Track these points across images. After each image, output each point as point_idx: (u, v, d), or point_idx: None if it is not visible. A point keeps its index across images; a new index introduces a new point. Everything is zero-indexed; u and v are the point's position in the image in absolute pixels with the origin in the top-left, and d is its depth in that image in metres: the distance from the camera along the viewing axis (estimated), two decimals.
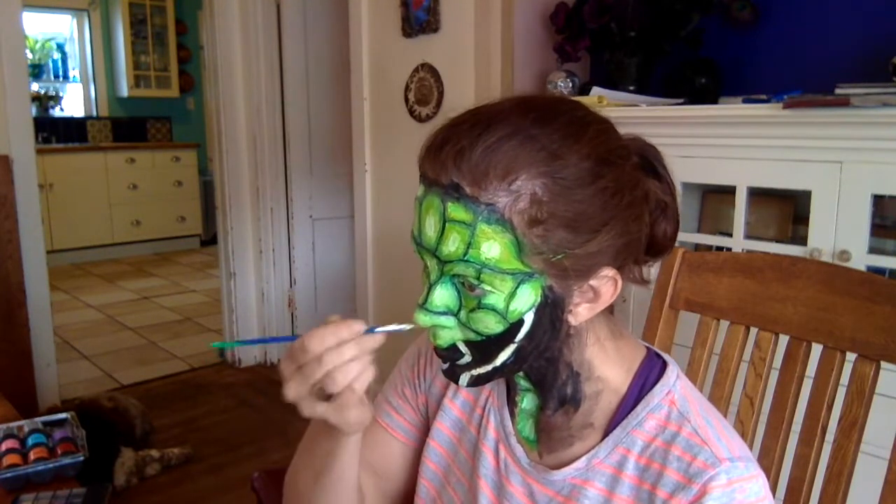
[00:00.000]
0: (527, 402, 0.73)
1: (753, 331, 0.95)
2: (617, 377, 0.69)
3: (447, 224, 0.60)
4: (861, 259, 1.36)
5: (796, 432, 0.89)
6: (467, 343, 0.65)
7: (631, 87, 1.99)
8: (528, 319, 0.62)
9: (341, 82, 3.09)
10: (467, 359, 0.66)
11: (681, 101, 1.86)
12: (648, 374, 0.69)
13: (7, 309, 2.72)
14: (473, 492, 0.76)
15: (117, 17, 6.47)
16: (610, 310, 0.69)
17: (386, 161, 2.67)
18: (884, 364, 0.83)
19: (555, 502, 0.70)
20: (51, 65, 6.62)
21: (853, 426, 0.83)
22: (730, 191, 1.59)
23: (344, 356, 0.62)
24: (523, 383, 0.72)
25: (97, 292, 5.08)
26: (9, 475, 1.24)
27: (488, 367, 0.65)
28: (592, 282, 0.63)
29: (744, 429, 0.94)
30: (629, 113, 1.71)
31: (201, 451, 2.60)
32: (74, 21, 6.55)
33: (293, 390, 0.63)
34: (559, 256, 0.60)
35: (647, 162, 0.68)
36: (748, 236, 1.59)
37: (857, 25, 1.76)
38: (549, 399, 0.69)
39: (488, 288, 0.60)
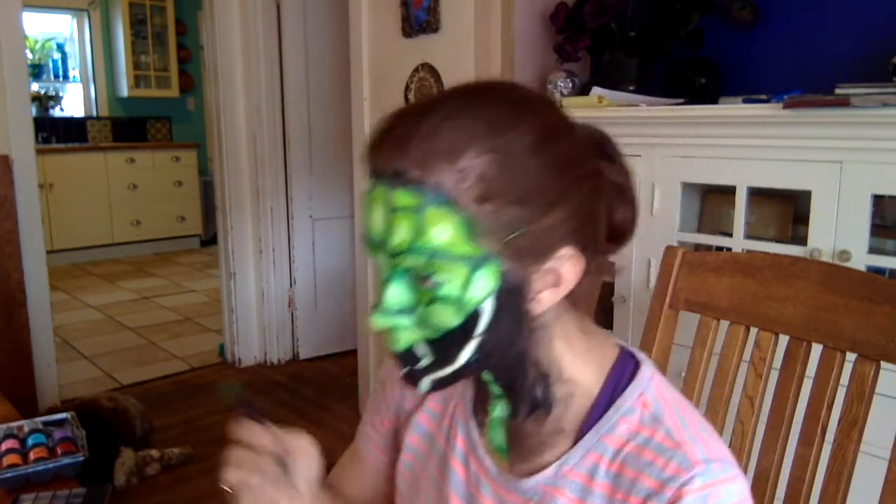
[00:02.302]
0: (498, 410, 0.70)
1: (753, 331, 0.95)
2: (588, 378, 0.66)
3: (394, 213, 0.57)
4: (861, 259, 1.36)
5: (796, 432, 0.89)
6: (426, 343, 0.62)
7: (631, 87, 1.99)
8: (487, 308, 0.59)
9: (341, 82, 3.09)
10: (427, 360, 0.62)
11: (681, 101, 1.86)
12: (621, 375, 0.66)
13: (7, 309, 2.72)
14: None
15: (117, 17, 6.47)
16: (586, 307, 0.67)
17: None
18: (884, 364, 0.83)
19: None
20: (51, 65, 6.62)
21: (853, 426, 0.83)
22: (730, 191, 1.59)
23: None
24: (495, 390, 0.68)
25: (97, 292, 5.08)
26: (9, 475, 1.24)
27: (450, 369, 0.62)
28: (551, 263, 0.59)
29: (744, 429, 0.94)
30: (629, 113, 1.71)
31: (201, 451, 2.60)
32: (74, 21, 6.55)
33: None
34: (513, 235, 0.57)
35: (597, 144, 0.66)
36: (748, 236, 1.59)
37: (857, 25, 1.76)
38: (520, 404, 0.66)
39: (442, 277, 0.58)
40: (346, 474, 0.88)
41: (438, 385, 0.64)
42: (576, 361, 0.66)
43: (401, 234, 0.57)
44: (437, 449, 0.76)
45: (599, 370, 0.67)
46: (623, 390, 0.65)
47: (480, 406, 0.73)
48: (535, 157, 0.57)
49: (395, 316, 0.61)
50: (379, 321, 0.61)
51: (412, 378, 0.64)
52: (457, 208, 0.56)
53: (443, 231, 0.56)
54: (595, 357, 0.67)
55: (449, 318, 0.59)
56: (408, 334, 0.62)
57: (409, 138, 0.57)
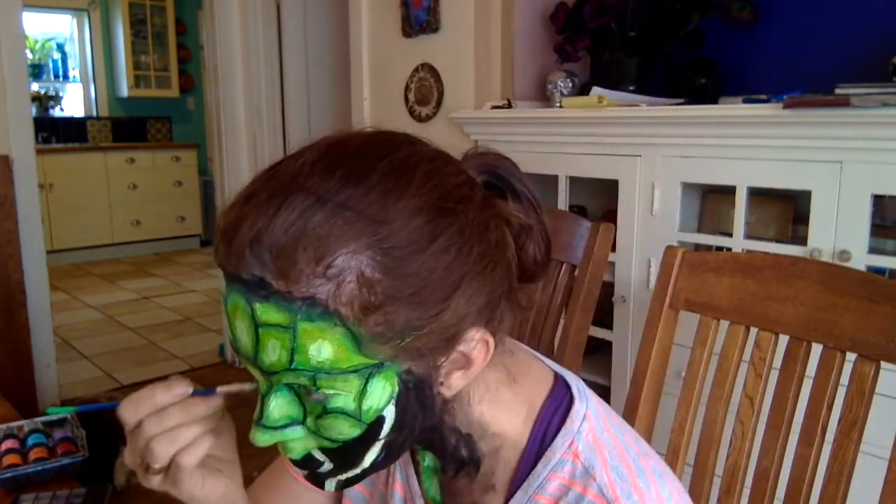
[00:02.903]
0: (428, 459, 0.65)
1: (753, 331, 0.95)
2: (514, 429, 0.59)
3: (260, 329, 0.48)
4: (861, 259, 1.36)
5: (796, 432, 0.89)
6: (323, 451, 0.54)
7: (631, 87, 1.99)
8: (390, 414, 0.52)
9: (341, 82, 3.09)
10: (328, 466, 0.55)
11: (681, 101, 1.86)
12: (551, 419, 0.60)
13: (7, 309, 2.72)
14: None
15: (117, 17, 6.47)
16: (515, 334, 0.61)
17: None
18: (884, 364, 0.83)
19: None
20: (51, 65, 6.62)
21: (853, 426, 0.83)
22: (730, 191, 1.59)
23: (165, 424, 0.54)
24: (417, 445, 0.62)
25: (97, 292, 5.08)
26: (9, 475, 1.24)
27: (356, 471, 0.56)
28: (460, 348, 0.53)
29: (744, 429, 0.94)
30: (629, 113, 1.71)
31: None
32: (74, 21, 6.55)
33: (128, 458, 0.57)
34: (408, 339, 0.49)
35: (499, 183, 0.57)
36: (748, 236, 1.59)
37: (857, 25, 1.76)
38: (447, 462, 0.61)
39: (330, 392, 0.50)
40: (276, 491, 0.79)
41: (347, 484, 0.58)
42: (500, 415, 0.59)
43: (273, 352, 0.49)
44: (377, 491, 0.72)
45: (527, 418, 0.60)
46: (553, 436, 0.59)
47: (412, 455, 0.67)
48: (426, 248, 0.48)
49: (283, 431, 0.54)
50: (263, 439, 0.53)
51: (316, 480, 0.57)
52: (337, 321, 0.47)
53: (324, 349, 0.48)
54: (522, 402, 0.60)
55: (347, 431, 0.52)
56: (302, 444, 0.55)
57: (264, 236, 0.47)
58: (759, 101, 1.55)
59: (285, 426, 0.53)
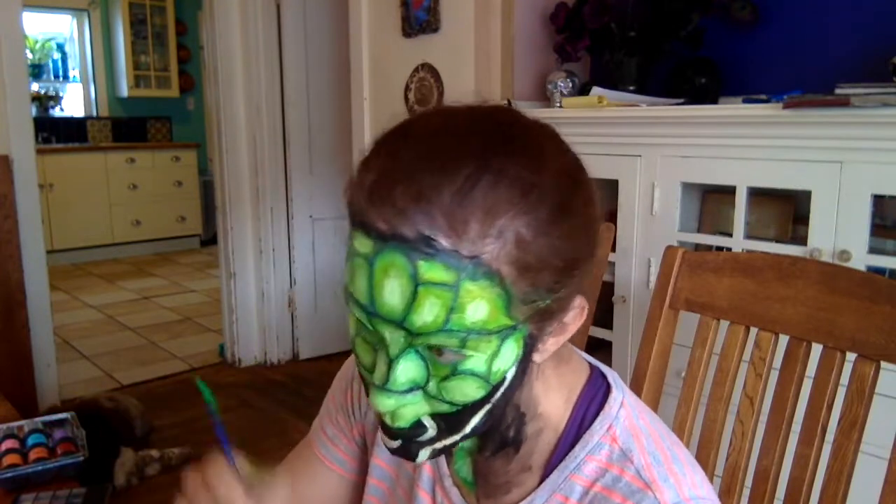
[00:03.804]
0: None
1: (753, 331, 0.95)
2: (556, 411, 0.61)
3: (420, 288, 0.48)
4: (861, 259, 1.36)
5: (796, 432, 0.89)
6: (434, 416, 0.55)
7: (631, 87, 1.99)
8: (510, 376, 0.54)
9: (341, 82, 3.09)
10: (431, 433, 0.55)
11: (681, 101, 1.86)
12: (589, 405, 0.62)
13: (7, 309, 2.72)
14: None
15: (117, 17, 6.47)
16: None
17: None
18: (884, 364, 0.83)
19: None
20: (51, 65, 6.62)
21: (853, 426, 0.83)
22: (730, 191, 1.59)
23: None
24: None
25: (97, 292, 5.08)
26: (9, 475, 1.24)
27: (455, 437, 0.56)
28: (565, 317, 0.56)
29: (744, 429, 0.94)
30: (629, 113, 1.71)
31: (201, 451, 2.60)
32: (74, 21, 6.55)
33: None
34: (547, 302, 0.52)
35: (584, 168, 0.59)
36: (748, 236, 1.59)
37: (857, 25, 1.76)
38: (489, 442, 0.62)
39: (469, 353, 0.51)
40: (300, 473, 0.81)
41: (437, 454, 0.58)
42: (548, 394, 0.61)
43: (429, 312, 0.48)
44: (405, 472, 0.72)
45: (568, 400, 0.62)
46: (591, 422, 0.61)
47: None
48: (567, 211, 0.51)
49: (405, 395, 0.53)
50: (386, 404, 0.53)
51: (407, 450, 0.57)
52: (497, 281, 0.49)
53: (481, 307, 0.49)
54: (565, 385, 0.62)
55: (472, 392, 0.53)
56: (415, 409, 0.54)
57: (433, 196, 0.47)
58: (758, 101, 1.55)
59: (408, 391, 0.53)
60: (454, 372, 0.52)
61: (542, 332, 0.54)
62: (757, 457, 0.92)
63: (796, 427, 0.90)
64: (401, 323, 0.50)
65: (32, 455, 1.30)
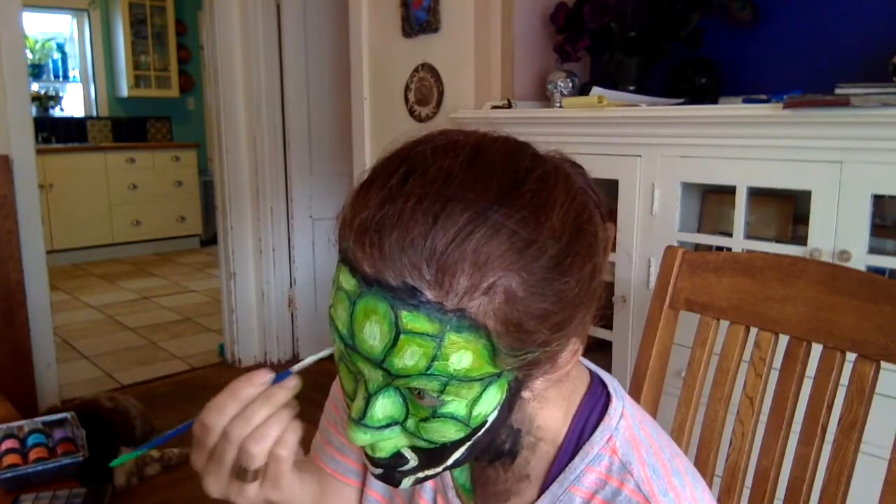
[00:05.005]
0: None
1: (753, 331, 0.95)
2: (555, 424, 0.61)
3: (402, 336, 0.47)
4: (861, 259, 1.36)
5: (796, 432, 0.89)
6: (414, 448, 0.54)
7: (631, 87, 1.99)
8: (491, 419, 0.53)
9: (341, 82, 3.09)
10: (413, 464, 0.55)
11: (681, 101, 1.86)
12: (589, 415, 0.61)
13: (7, 309, 2.72)
14: None
15: (117, 17, 6.47)
16: None
17: None
18: (884, 364, 0.83)
19: None
20: (51, 65, 6.62)
21: (853, 426, 0.83)
22: (730, 191, 1.59)
23: (253, 421, 0.52)
24: None
25: (97, 292, 5.08)
26: (9, 475, 1.24)
27: (438, 469, 0.55)
28: (557, 360, 0.55)
29: (744, 429, 0.94)
30: (629, 113, 1.71)
31: None
32: (74, 21, 6.55)
33: (212, 484, 0.54)
34: (536, 353, 0.51)
35: (594, 196, 0.56)
36: (748, 236, 1.59)
37: (857, 25, 1.76)
38: (484, 453, 0.61)
39: (449, 398, 0.50)
40: None
41: (421, 482, 0.57)
42: (546, 408, 0.60)
43: (410, 359, 0.48)
44: None
45: (567, 412, 0.61)
46: (591, 432, 0.60)
47: None
48: (565, 270, 0.50)
49: (382, 431, 0.52)
50: (361, 438, 0.52)
51: (392, 478, 0.56)
52: (482, 334, 0.48)
53: (464, 359, 0.48)
54: (564, 398, 0.62)
55: (451, 434, 0.52)
56: (393, 443, 0.54)
57: (420, 245, 0.46)
58: (759, 101, 1.55)
59: (385, 426, 0.52)
60: (434, 415, 0.51)
61: (530, 376, 0.54)
62: (757, 457, 0.92)
63: (796, 427, 0.90)
64: (380, 363, 0.49)
65: (32, 455, 1.30)
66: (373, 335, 0.48)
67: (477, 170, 0.49)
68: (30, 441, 1.35)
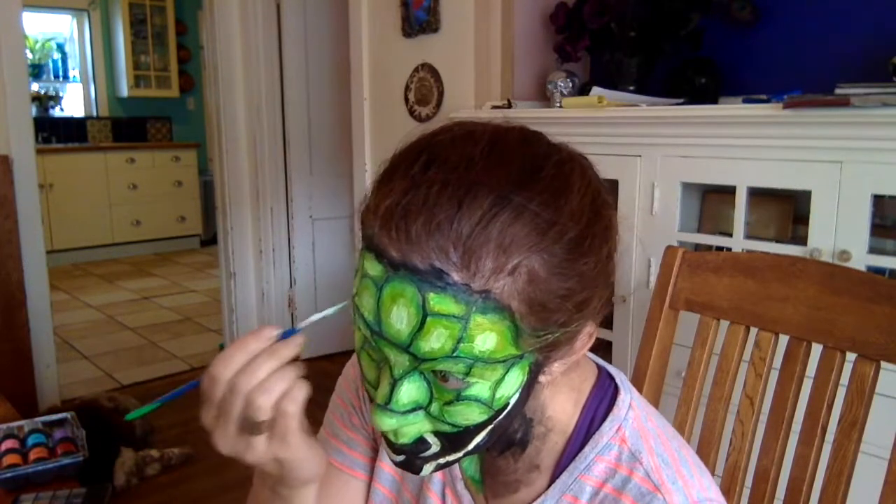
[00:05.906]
0: None
1: (753, 331, 0.95)
2: (565, 413, 0.62)
3: (429, 318, 0.48)
4: (861, 259, 1.36)
5: (796, 432, 0.89)
6: (437, 433, 0.55)
7: (631, 87, 1.99)
8: (513, 401, 0.54)
9: (341, 82, 3.09)
10: (435, 449, 0.56)
11: (681, 101, 1.86)
12: (598, 406, 0.62)
13: (7, 309, 2.72)
14: None
15: (117, 17, 6.47)
16: None
17: None
18: (884, 364, 0.83)
19: None
20: (51, 65, 6.62)
21: (853, 426, 0.83)
22: (730, 191, 1.59)
23: (259, 373, 0.52)
24: None
25: (97, 292, 5.08)
26: (9, 475, 1.24)
27: (459, 454, 0.56)
28: (575, 343, 0.56)
29: (744, 429, 0.94)
30: (629, 113, 1.71)
31: (201, 451, 2.60)
32: (74, 21, 6.55)
33: (221, 440, 0.55)
34: (556, 334, 0.52)
35: (607, 191, 0.58)
36: (748, 236, 1.59)
37: (857, 25, 1.76)
38: (495, 443, 0.61)
39: (474, 380, 0.51)
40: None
41: (442, 468, 0.58)
42: (556, 398, 0.62)
43: (437, 340, 0.49)
44: (413, 476, 0.71)
45: (577, 403, 0.63)
46: (600, 423, 0.61)
47: None
48: (583, 249, 0.51)
49: (407, 416, 0.53)
50: (387, 423, 0.53)
51: (411, 464, 0.57)
52: (507, 315, 0.49)
53: (489, 340, 0.49)
54: (574, 388, 0.63)
55: (475, 417, 0.53)
56: (418, 427, 0.55)
57: (447, 229, 0.47)
58: (758, 101, 1.55)
59: (410, 411, 0.53)
60: (458, 398, 0.52)
61: (549, 359, 0.55)
62: (757, 457, 0.92)
63: (796, 427, 0.90)
64: (406, 347, 0.50)
65: (32, 455, 1.30)
66: (400, 319, 0.49)
67: (497, 156, 0.51)
68: (30, 441, 1.35)
